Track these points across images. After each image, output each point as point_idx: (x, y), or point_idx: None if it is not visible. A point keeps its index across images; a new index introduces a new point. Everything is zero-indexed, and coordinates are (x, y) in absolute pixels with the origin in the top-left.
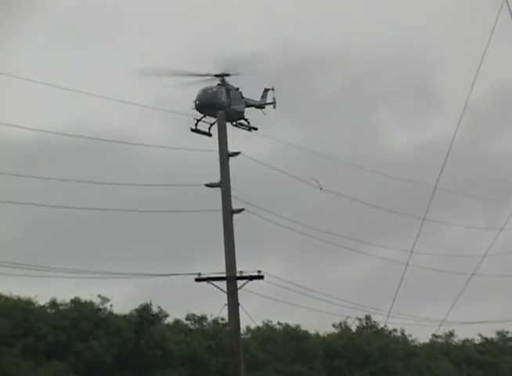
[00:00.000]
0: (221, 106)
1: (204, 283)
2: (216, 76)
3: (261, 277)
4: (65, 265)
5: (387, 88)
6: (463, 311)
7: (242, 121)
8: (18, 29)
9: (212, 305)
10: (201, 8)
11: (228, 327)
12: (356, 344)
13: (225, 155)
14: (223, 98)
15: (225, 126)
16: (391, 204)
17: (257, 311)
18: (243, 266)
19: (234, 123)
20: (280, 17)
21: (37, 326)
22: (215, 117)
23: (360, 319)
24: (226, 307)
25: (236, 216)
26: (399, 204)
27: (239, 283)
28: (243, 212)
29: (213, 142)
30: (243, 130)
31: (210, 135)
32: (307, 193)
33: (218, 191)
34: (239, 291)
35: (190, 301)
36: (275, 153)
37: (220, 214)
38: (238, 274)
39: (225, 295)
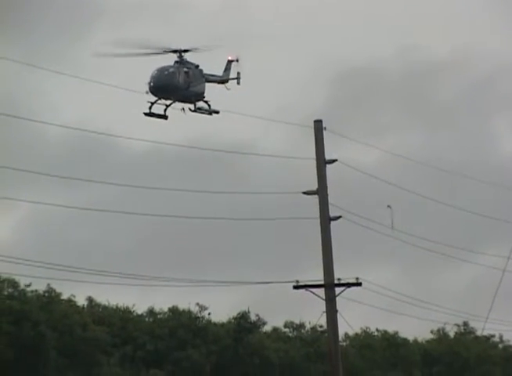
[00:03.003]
0: (178, 88)
1: (302, 290)
2: (174, 52)
3: (359, 284)
4: (163, 274)
5: (507, 94)
6: None
7: (202, 105)
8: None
9: (310, 313)
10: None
11: (326, 334)
12: (454, 350)
13: (321, 162)
14: (181, 79)
15: (322, 133)
16: (498, 212)
17: (355, 318)
18: (340, 274)
19: (193, 108)
20: (402, 22)
21: (135, 335)
22: (171, 99)
23: (458, 326)
24: (325, 314)
25: (333, 223)
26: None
27: (337, 290)
28: (340, 220)
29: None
30: (203, 114)
31: (166, 117)
32: (405, 201)
33: (315, 199)
34: (337, 298)
35: (288, 308)
36: (380, 162)
37: (317, 221)
38: (336, 281)
39: (324, 302)
